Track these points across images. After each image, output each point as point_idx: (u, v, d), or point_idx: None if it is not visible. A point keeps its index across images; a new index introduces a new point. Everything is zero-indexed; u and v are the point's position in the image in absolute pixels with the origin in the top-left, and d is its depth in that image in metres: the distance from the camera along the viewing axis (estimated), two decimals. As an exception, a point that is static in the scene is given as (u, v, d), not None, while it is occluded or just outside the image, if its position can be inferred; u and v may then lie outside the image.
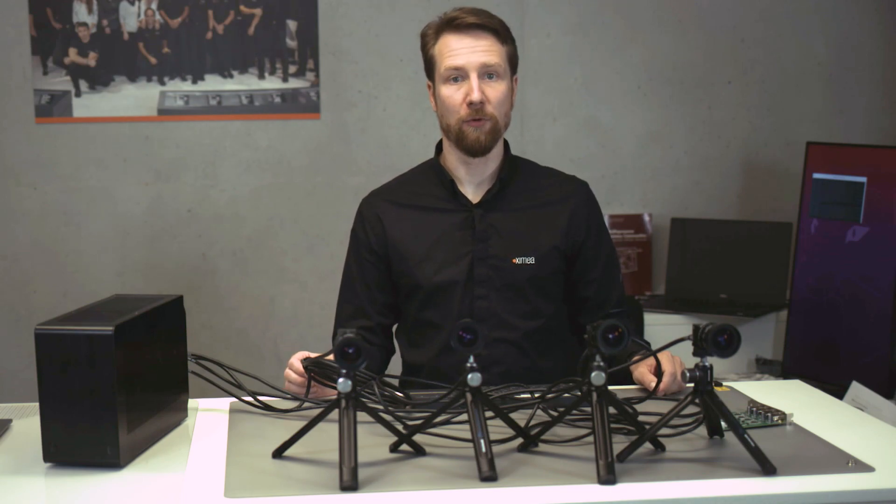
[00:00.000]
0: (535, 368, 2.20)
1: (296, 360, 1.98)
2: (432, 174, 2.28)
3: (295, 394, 1.96)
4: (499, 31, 2.19)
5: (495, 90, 2.16)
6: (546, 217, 2.25)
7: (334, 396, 1.59)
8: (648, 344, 1.85)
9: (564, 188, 2.30)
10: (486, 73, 2.15)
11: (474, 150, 2.17)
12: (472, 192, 2.25)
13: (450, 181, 2.24)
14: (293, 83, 3.72)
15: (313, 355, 1.93)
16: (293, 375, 1.99)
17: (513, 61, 2.22)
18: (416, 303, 2.24)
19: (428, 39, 2.22)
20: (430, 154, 2.33)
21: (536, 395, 1.82)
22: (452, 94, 2.16)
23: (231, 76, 3.69)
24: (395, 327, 2.35)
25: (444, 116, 2.20)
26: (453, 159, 2.24)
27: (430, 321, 2.24)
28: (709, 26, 3.90)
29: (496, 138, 2.19)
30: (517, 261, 2.21)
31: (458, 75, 2.15)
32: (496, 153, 2.23)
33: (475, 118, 2.14)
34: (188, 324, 1.95)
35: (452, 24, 2.17)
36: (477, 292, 2.21)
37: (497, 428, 1.68)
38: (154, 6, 3.63)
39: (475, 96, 2.13)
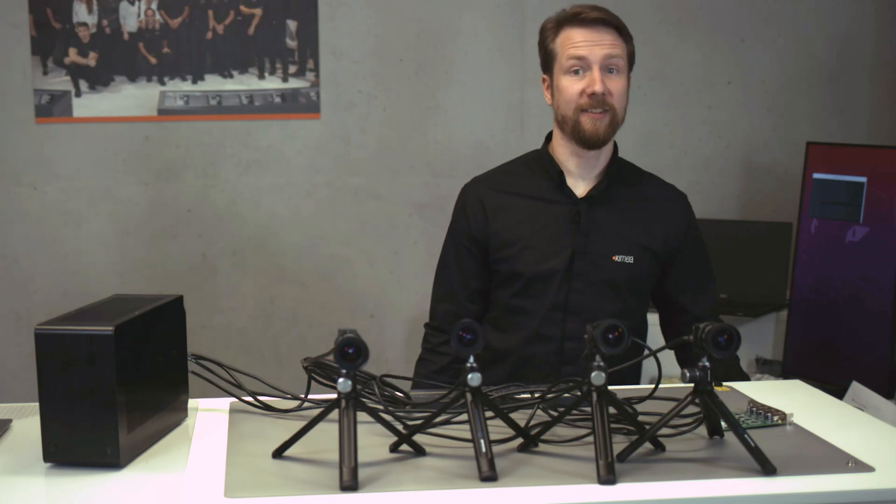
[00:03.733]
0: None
1: None
2: (539, 165, 2.30)
3: None
4: (621, 28, 2.21)
5: (616, 83, 2.19)
6: (647, 219, 2.28)
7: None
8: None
9: (666, 195, 2.35)
10: (608, 66, 2.17)
11: (591, 142, 2.20)
12: (578, 186, 2.26)
13: (558, 173, 2.26)
14: (293, 83, 3.72)
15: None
16: None
17: (631, 59, 2.24)
18: (512, 289, 2.26)
19: (547, 34, 2.25)
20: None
21: (536, 395, 1.82)
22: (572, 84, 2.18)
23: (231, 76, 3.69)
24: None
25: (560, 107, 2.22)
26: (565, 151, 2.26)
27: (522, 308, 2.25)
28: (709, 26, 3.90)
29: (613, 131, 2.21)
30: (617, 258, 2.23)
31: (580, 66, 2.17)
32: (607, 149, 2.26)
33: (596, 109, 2.17)
34: (188, 324, 1.94)
35: (577, 18, 2.19)
36: (574, 285, 2.22)
37: (497, 428, 1.68)
38: (154, 6, 3.63)
39: (598, 87, 2.16)
